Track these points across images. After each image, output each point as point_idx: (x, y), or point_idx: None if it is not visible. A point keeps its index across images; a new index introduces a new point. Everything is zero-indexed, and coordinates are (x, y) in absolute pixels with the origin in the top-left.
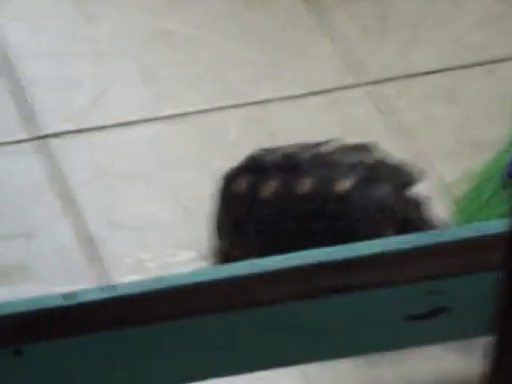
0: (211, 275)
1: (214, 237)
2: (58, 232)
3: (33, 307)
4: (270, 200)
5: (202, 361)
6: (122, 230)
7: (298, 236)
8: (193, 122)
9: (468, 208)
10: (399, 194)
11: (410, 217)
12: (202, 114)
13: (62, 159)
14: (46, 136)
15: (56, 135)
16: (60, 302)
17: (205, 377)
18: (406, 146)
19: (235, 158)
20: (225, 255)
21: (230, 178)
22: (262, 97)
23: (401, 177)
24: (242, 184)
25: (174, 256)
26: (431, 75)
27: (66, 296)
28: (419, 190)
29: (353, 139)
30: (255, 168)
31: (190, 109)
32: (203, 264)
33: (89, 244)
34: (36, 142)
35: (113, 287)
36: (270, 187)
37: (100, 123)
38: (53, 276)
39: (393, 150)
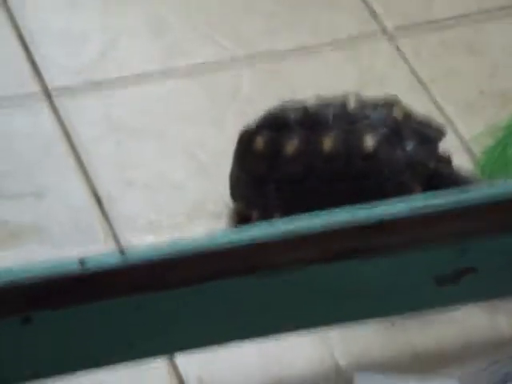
0: (229, 238)
1: (231, 197)
2: (68, 191)
3: (45, 273)
4: (292, 158)
5: (222, 326)
6: (135, 189)
7: (322, 195)
8: (207, 76)
9: (493, 163)
10: (427, 149)
11: (440, 172)
12: (216, 67)
13: (71, 114)
14: (56, 90)
15: (65, 89)
16: (74, 268)
17: (226, 341)
18: (426, 98)
19: (251, 113)
20: (241, 216)
21: (249, 135)
22: (280, 48)
23: (427, 132)
24: (262, 141)
25: (188, 216)
26: (452, 24)
27: (81, 261)
28: (443, 145)
29: (372, 91)
30: (275, 124)
31: (204, 61)
32: (219, 225)
33: (101, 203)
34: (45, 95)
35: (127, 252)
36: (292, 144)
37: (110, 77)
38: (63, 237)
39: (413, 102)
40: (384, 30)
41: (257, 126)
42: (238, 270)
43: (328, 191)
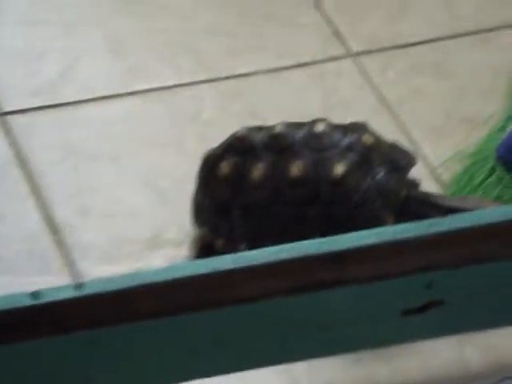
0: (190, 269)
1: (194, 223)
2: (23, 217)
3: None
4: (258, 183)
5: (181, 362)
6: (92, 216)
7: (290, 222)
8: (167, 98)
9: (460, 192)
10: (398, 177)
11: (411, 200)
12: (176, 90)
13: (27, 137)
14: (11, 112)
15: (22, 111)
16: (26, 302)
17: (185, 379)
18: (393, 122)
19: (213, 136)
20: (205, 244)
21: (213, 159)
22: (242, 70)
23: (398, 159)
24: (227, 165)
25: (147, 245)
26: (420, 46)
27: (33, 294)
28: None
29: (337, 114)
30: (241, 148)
31: (164, 83)
32: (180, 254)
33: (56, 231)
34: (0, 118)
35: (83, 284)
36: (258, 169)
37: (68, 99)
38: (18, 265)
39: (378, 126)
40: (349, 52)
41: (222, 150)
42: (199, 303)
43: (296, 218)
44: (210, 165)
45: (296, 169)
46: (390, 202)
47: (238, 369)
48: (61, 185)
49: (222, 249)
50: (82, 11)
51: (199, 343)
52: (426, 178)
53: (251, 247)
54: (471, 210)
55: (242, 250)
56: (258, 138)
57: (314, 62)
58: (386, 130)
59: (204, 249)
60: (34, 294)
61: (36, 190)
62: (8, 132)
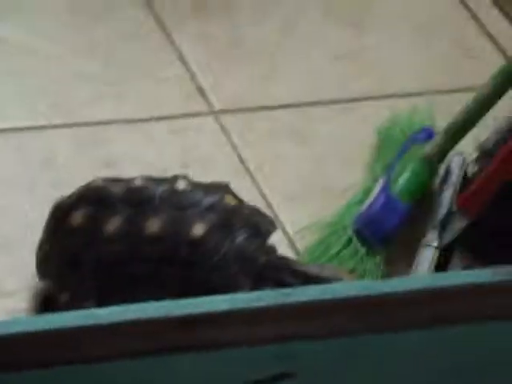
0: (25, 325)
1: (37, 274)
2: None
3: None
4: (112, 237)
5: None
6: None
7: (143, 281)
8: (20, 141)
9: (315, 261)
10: (258, 243)
11: (270, 267)
12: (30, 132)
13: None
14: None
15: None
16: None
17: None
18: (251, 184)
19: (66, 183)
20: (47, 297)
21: (65, 208)
22: (101, 118)
23: (259, 223)
24: (79, 216)
25: None
26: (283, 110)
27: None
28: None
29: (195, 171)
30: (95, 199)
31: (19, 125)
32: (17, 308)
33: None
34: None
35: None
36: (113, 223)
37: None
38: None
39: (238, 187)
40: (211, 109)
41: (75, 199)
42: (31, 363)
43: (150, 277)
44: (60, 213)
45: (154, 225)
46: (248, 268)
47: None
48: None
49: (65, 304)
50: None
51: None
52: (282, 245)
53: (99, 305)
54: (328, 278)
55: (87, 307)
56: (116, 190)
57: (175, 117)
58: (244, 192)
59: (46, 302)
60: None
61: None
62: None
